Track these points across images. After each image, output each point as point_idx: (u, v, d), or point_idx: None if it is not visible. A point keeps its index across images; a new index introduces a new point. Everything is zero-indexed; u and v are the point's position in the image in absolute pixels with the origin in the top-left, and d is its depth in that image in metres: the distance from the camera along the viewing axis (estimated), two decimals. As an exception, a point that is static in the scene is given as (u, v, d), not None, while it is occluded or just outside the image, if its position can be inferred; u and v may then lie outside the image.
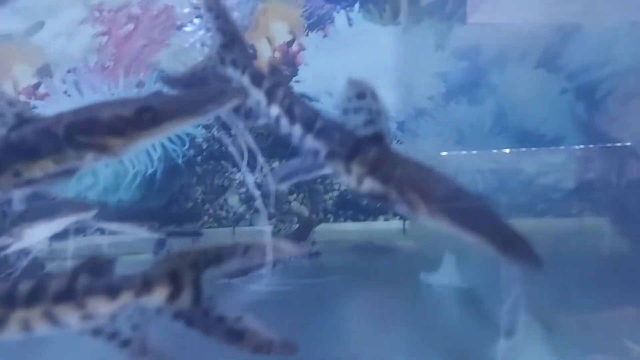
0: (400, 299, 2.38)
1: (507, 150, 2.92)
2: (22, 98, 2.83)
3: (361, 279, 2.57)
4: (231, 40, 1.51)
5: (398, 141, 3.05)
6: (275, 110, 1.38)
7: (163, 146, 2.96)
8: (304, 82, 3.06)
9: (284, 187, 1.40)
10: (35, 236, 1.76)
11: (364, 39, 3.02)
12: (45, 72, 2.83)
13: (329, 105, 3.05)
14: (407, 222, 3.11)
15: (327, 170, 1.33)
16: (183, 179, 3.02)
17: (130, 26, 2.85)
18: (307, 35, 3.04)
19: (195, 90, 1.60)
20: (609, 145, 2.83)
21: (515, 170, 3.00)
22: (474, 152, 2.92)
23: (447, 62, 2.97)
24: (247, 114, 1.43)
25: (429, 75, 3.00)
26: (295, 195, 3.11)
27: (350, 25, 3.02)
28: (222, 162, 3.08)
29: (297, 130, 1.35)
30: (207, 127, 3.03)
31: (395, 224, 3.13)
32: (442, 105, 2.99)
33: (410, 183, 1.23)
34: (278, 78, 1.38)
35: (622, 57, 2.90)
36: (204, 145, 3.06)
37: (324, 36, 3.03)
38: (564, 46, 2.93)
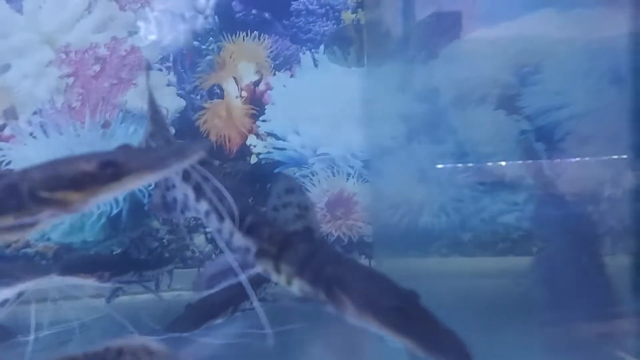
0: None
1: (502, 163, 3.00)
2: (-10, 142, 2.85)
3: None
4: (158, 130, 1.54)
5: (363, 179, 3.10)
6: (204, 205, 1.39)
7: (129, 185, 2.98)
8: (271, 121, 3.11)
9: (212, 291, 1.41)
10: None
11: (330, 80, 3.09)
12: (11, 114, 2.85)
13: (296, 145, 3.11)
14: (372, 261, 3.16)
15: (258, 269, 1.34)
16: (149, 219, 3.03)
17: (97, 67, 2.89)
18: (274, 75, 3.09)
19: (158, 147, 1.64)
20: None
21: (478, 209, 3.06)
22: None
23: (409, 104, 3.04)
24: (174, 206, 1.45)
25: (392, 115, 3.07)
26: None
27: (316, 66, 3.09)
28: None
29: (226, 226, 1.36)
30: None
31: (361, 262, 3.17)
32: (404, 145, 3.06)
33: (338, 283, 1.23)
34: (206, 172, 1.33)
35: (580, 99, 3.00)
36: (171, 183, 3.08)
37: (291, 76, 3.09)
38: (523, 88, 3.02)
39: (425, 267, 3.02)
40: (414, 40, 3.01)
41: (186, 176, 1.39)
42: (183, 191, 1.42)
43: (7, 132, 2.86)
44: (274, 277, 1.37)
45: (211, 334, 2.21)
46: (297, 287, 1.33)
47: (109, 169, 1.16)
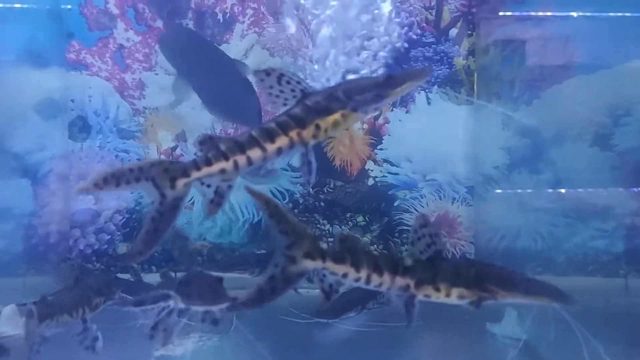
0: (467, 346, 2.79)
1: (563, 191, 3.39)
2: (163, 158, 3.53)
3: (431, 324, 2.95)
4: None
5: (467, 203, 3.54)
6: (364, 272, 1.71)
7: (267, 199, 3.58)
8: (387, 150, 3.61)
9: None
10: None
11: (441, 116, 3.55)
12: (181, 137, 3.53)
13: (408, 170, 3.60)
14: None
15: (419, 296, 1.74)
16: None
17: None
18: (391, 110, 3.60)
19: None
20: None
21: (571, 233, 3.44)
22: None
23: (512, 138, 3.48)
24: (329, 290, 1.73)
25: (496, 148, 3.51)
26: (375, 246, 3.63)
27: (429, 104, 3.57)
28: (315, 215, 3.65)
29: (386, 279, 1.71)
30: (303, 185, 3.62)
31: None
32: (506, 174, 3.48)
33: (487, 278, 1.73)
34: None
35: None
36: (301, 200, 3.64)
37: (406, 112, 3.58)
38: (616, 128, 3.39)
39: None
40: (519, 83, 3.44)
41: (339, 258, 1.70)
42: (333, 273, 1.70)
43: (178, 151, 3.54)
44: (434, 296, 1.73)
45: (347, 323, 2.75)
46: (456, 295, 1.72)
47: (390, 79, 1.74)
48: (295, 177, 3.58)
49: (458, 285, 1.71)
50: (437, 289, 1.71)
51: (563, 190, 3.41)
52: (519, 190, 3.47)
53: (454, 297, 1.72)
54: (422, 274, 1.72)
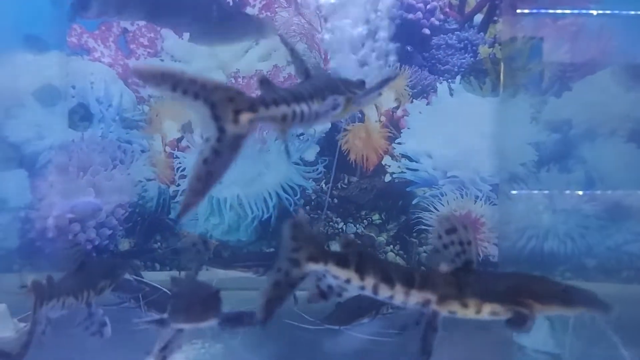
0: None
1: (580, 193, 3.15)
2: (167, 149, 3.34)
3: (451, 331, 2.76)
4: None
5: (491, 202, 3.31)
6: (370, 281, 1.54)
7: (278, 195, 3.38)
8: (405, 144, 3.39)
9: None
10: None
11: (464, 108, 3.33)
12: (187, 128, 3.33)
13: (427, 166, 3.38)
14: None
15: (443, 313, 1.54)
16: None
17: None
18: (411, 102, 3.38)
19: None
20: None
21: (603, 236, 3.19)
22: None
23: (541, 133, 3.24)
24: (330, 292, 1.60)
25: (523, 143, 3.28)
26: (391, 246, 3.42)
27: (452, 95, 3.35)
28: (328, 212, 3.45)
29: (398, 290, 1.54)
30: (317, 180, 3.41)
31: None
32: (533, 172, 3.25)
33: (520, 293, 1.53)
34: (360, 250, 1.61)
35: None
36: (313, 196, 3.44)
37: (427, 104, 3.37)
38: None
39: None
40: (548, 74, 3.20)
41: (343, 262, 1.56)
42: (335, 276, 1.56)
43: (183, 143, 3.35)
44: (460, 312, 1.54)
45: (358, 330, 2.53)
46: (488, 312, 1.53)
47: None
48: (308, 172, 3.38)
49: (491, 301, 1.51)
50: (466, 305, 1.52)
51: (596, 191, 3.17)
52: (548, 189, 3.24)
53: (485, 313, 1.52)
54: (447, 289, 1.53)
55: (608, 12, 3.13)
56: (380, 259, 1.67)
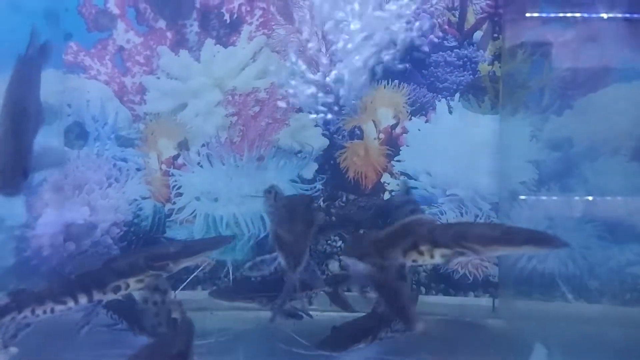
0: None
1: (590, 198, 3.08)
2: (163, 167, 3.31)
3: (450, 354, 2.70)
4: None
5: (491, 221, 3.26)
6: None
7: (275, 213, 3.33)
8: (404, 162, 3.35)
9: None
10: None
11: (463, 126, 3.28)
12: (184, 145, 3.31)
13: (427, 184, 3.33)
14: (496, 300, 3.28)
15: (408, 264, 1.99)
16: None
17: (257, 108, 3.29)
18: (410, 119, 3.34)
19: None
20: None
21: (605, 257, 3.12)
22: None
23: (541, 151, 3.18)
24: None
25: (523, 162, 3.22)
26: (390, 264, 3.36)
27: (451, 112, 3.31)
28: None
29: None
30: (315, 198, 3.37)
31: (485, 300, 3.30)
32: (533, 190, 3.19)
33: (464, 237, 1.84)
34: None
35: None
36: (311, 214, 3.39)
37: (426, 121, 3.32)
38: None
39: (547, 310, 3.11)
40: (549, 92, 3.15)
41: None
42: None
43: (179, 161, 3.32)
44: (420, 260, 1.92)
45: (354, 356, 2.48)
46: (439, 255, 1.89)
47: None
48: (305, 190, 3.34)
49: (440, 246, 1.86)
50: (421, 253, 1.88)
51: (597, 209, 3.10)
52: (548, 209, 3.17)
53: (436, 257, 1.88)
54: (412, 243, 1.90)
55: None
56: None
